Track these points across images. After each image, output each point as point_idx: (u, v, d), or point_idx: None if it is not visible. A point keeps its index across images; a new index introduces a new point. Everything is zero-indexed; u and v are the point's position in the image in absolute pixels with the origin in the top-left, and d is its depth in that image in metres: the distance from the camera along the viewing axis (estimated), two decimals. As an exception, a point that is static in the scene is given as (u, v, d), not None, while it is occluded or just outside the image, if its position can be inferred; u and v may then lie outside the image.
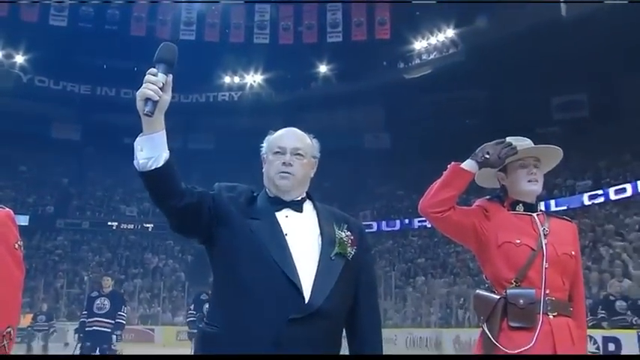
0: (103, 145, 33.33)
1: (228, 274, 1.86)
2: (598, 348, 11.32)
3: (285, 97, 33.53)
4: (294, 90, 34.25)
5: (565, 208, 22.46)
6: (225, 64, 34.34)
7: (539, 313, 2.28)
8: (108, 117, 33.67)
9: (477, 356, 2.25)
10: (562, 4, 26.24)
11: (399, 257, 27.69)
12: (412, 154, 29.52)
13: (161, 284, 27.75)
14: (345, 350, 1.91)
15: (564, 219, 2.59)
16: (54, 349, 17.83)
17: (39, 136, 33.91)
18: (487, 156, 2.34)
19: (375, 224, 30.57)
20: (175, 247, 31.43)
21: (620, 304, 11.23)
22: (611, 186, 22.73)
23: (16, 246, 1.83)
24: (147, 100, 1.73)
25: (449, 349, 16.16)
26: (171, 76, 1.78)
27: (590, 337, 11.10)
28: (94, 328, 8.81)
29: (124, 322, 9.39)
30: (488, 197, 2.53)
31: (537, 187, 2.48)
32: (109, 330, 8.88)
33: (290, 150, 1.99)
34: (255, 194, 2.00)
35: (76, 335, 9.32)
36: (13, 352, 1.86)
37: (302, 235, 1.91)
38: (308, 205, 2.01)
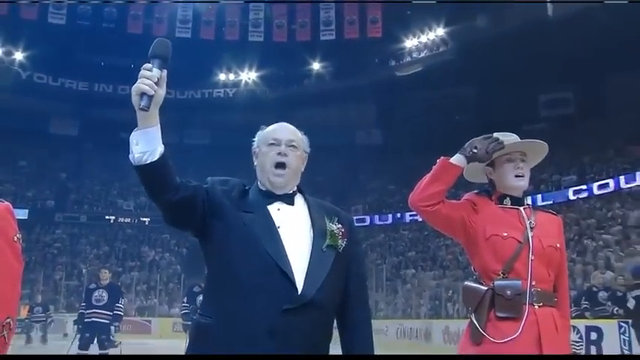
0: (100, 140, 33.20)
1: (222, 266, 1.86)
2: (581, 337, 11.39)
3: (279, 94, 33.49)
4: (288, 87, 34.24)
5: (551, 202, 22.55)
6: (220, 62, 34.28)
7: (525, 304, 2.30)
8: (105, 113, 33.55)
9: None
10: (548, 5, 26.31)
11: (390, 250, 27.77)
12: (403, 149, 29.58)
13: (157, 277, 27.73)
14: (336, 342, 1.91)
15: (550, 212, 2.60)
16: (53, 340, 17.81)
17: (38, 131, 33.84)
18: (475, 150, 2.35)
19: (367, 218, 30.62)
20: (171, 240, 31.40)
21: (602, 295, 11.32)
22: (595, 181, 22.86)
23: (15, 239, 1.83)
24: (142, 94, 1.72)
25: (438, 340, 16.21)
26: (165, 71, 1.77)
27: (574, 327, 11.18)
28: (93, 319, 8.81)
29: (122, 314, 9.41)
30: (476, 191, 2.54)
31: (524, 181, 2.49)
32: (108, 321, 8.88)
33: (285, 142, 2.00)
34: (247, 188, 1.99)
35: (75, 326, 9.32)
36: (12, 343, 1.85)
37: (294, 227, 1.91)
38: (299, 199, 2.02)
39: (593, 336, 11.19)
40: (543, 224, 2.45)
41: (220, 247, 1.87)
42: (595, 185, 22.69)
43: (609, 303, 10.93)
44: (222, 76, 35.71)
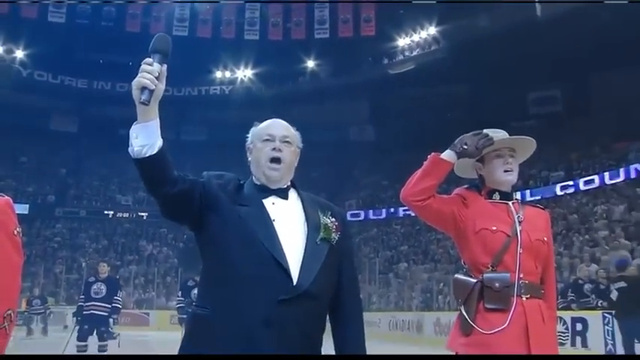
0: (99, 136, 33.15)
1: (219, 259, 1.85)
2: (567, 328, 11.47)
3: (275, 91, 33.47)
4: (283, 84, 34.22)
5: (539, 197, 22.63)
6: (216, 59, 34.24)
7: (514, 296, 2.30)
8: (104, 110, 33.54)
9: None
10: (537, 5, 26.37)
11: (383, 244, 27.82)
12: (396, 146, 29.60)
13: (155, 270, 27.73)
14: (327, 334, 1.91)
15: (538, 207, 2.61)
16: (53, 332, 17.79)
17: (38, 128, 33.82)
18: (465, 146, 2.35)
19: (362, 213, 30.69)
20: (169, 234, 31.40)
21: (587, 287, 11.40)
22: (582, 177, 22.95)
23: (15, 232, 1.82)
24: (143, 89, 1.71)
25: (429, 332, 16.25)
26: (165, 66, 1.76)
27: (560, 318, 11.25)
28: (92, 311, 8.80)
29: (120, 307, 9.40)
30: (466, 186, 2.55)
31: (513, 177, 2.49)
32: (106, 314, 8.88)
33: (279, 137, 1.99)
34: (241, 182, 1.99)
35: (74, 318, 9.30)
36: (13, 335, 1.84)
37: (288, 220, 1.91)
38: (293, 193, 2.02)
39: (579, 327, 11.29)
40: (531, 218, 2.45)
41: (216, 239, 1.86)
42: (581, 181, 22.79)
43: (594, 295, 11.01)
44: (218, 74, 35.67)
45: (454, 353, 2.38)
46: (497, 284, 2.30)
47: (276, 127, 2.04)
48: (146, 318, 24.51)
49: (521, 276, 2.33)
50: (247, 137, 2.08)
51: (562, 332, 11.33)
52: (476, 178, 2.58)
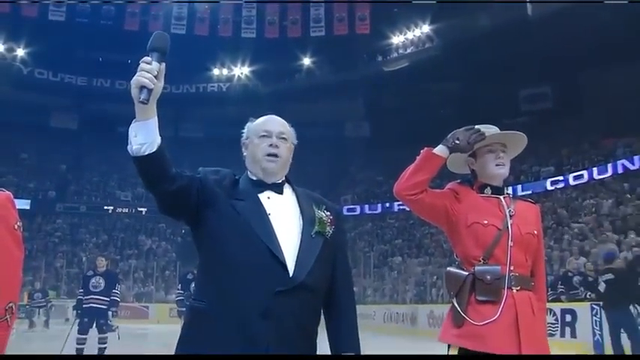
0: (99, 133, 33.07)
1: (216, 252, 1.85)
2: (557, 319, 11.53)
3: (271, 88, 33.42)
4: (280, 81, 34.17)
5: (530, 192, 22.68)
6: (214, 57, 34.16)
7: (504, 288, 2.31)
8: (104, 107, 33.43)
9: (483, 356, 2.26)
10: (528, 4, 26.41)
11: (378, 239, 27.85)
12: (390, 142, 29.57)
13: (154, 264, 27.72)
14: (322, 327, 1.91)
15: (528, 201, 2.61)
16: (55, 324, 17.78)
17: (39, 125, 33.73)
18: (457, 141, 2.35)
19: (358, 208, 30.71)
20: (167, 229, 31.37)
21: (576, 280, 11.47)
22: (572, 172, 23.01)
23: (16, 227, 1.82)
24: (142, 87, 1.69)
25: (423, 324, 16.30)
26: (164, 64, 1.74)
27: (550, 310, 11.31)
28: (91, 305, 8.80)
29: (119, 300, 9.40)
30: (458, 181, 2.55)
31: (504, 171, 2.49)
32: (105, 307, 8.88)
33: (276, 134, 1.99)
34: (237, 177, 1.99)
35: (74, 312, 9.31)
36: (16, 328, 1.84)
37: (284, 214, 1.91)
38: (287, 188, 2.02)
39: (568, 318, 11.35)
40: (522, 212, 2.46)
41: (213, 233, 1.86)
42: (571, 176, 22.86)
43: (582, 287, 11.07)
44: (216, 71, 35.60)
45: (447, 345, 2.38)
46: (488, 277, 2.31)
47: (273, 123, 2.04)
48: (145, 311, 24.51)
49: (511, 269, 2.33)
50: (242, 133, 2.07)
51: (552, 323, 11.38)
52: (468, 173, 2.58)
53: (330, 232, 1.94)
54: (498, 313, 2.27)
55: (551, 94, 29.65)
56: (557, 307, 11.52)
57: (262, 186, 1.96)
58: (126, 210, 32.67)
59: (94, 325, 8.83)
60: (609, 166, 21.46)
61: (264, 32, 32.14)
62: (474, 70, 28.20)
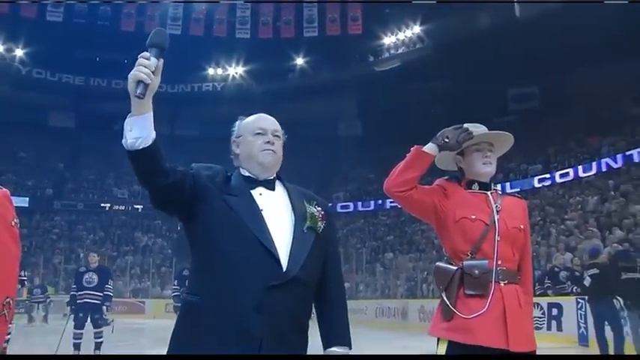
0: (96, 132, 32.96)
1: (209, 248, 1.84)
2: (544, 313, 11.61)
3: (265, 88, 33.39)
4: (273, 81, 34.13)
5: (518, 190, 22.76)
6: (209, 57, 34.12)
7: (492, 282, 2.31)
8: (101, 106, 33.33)
9: (481, 356, 2.27)
10: (516, 5, 26.50)
11: (370, 235, 27.89)
12: (382, 140, 29.60)
13: (150, 260, 27.69)
14: (312, 320, 1.92)
15: (515, 196, 2.62)
16: (53, 319, 17.74)
17: (37, 124, 33.66)
18: (446, 140, 2.36)
19: (351, 205, 30.75)
20: (163, 226, 31.33)
21: (563, 275, 11.54)
22: (558, 170, 23.12)
23: (13, 223, 1.80)
24: (139, 82, 1.67)
25: (414, 318, 16.35)
26: (162, 60, 1.72)
27: (537, 304, 11.39)
28: (85, 300, 8.78)
29: (112, 295, 9.36)
30: (446, 177, 2.56)
31: (491, 169, 2.50)
32: (99, 301, 8.86)
33: (271, 131, 2.00)
34: (229, 174, 1.98)
35: (69, 307, 9.27)
36: (15, 323, 1.84)
37: (276, 210, 1.91)
38: (279, 185, 2.02)
39: (554, 312, 11.43)
40: (509, 207, 2.47)
41: (206, 228, 1.85)
42: (557, 174, 22.97)
43: (569, 282, 11.14)
44: (210, 71, 35.55)
45: (436, 339, 2.39)
46: (476, 271, 2.31)
47: (267, 121, 2.04)
48: (142, 306, 24.48)
49: (499, 263, 2.34)
50: (233, 130, 2.07)
51: (539, 317, 11.46)
52: (456, 171, 2.59)
53: (322, 227, 1.94)
54: (486, 307, 2.28)
55: (538, 94, 29.78)
56: (544, 301, 11.59)
57: (254, 182, 1.96)
58: (122, 207, 32.61)
59: (89, 319, 8.82)
60: (594, 164, 21.61)
61: (258, 32, 32.12)
62: (463, 70, 28.26)
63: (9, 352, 5.80)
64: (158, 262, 28.19)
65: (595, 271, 8.72)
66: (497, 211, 2.41)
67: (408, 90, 30.85)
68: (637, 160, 20.03)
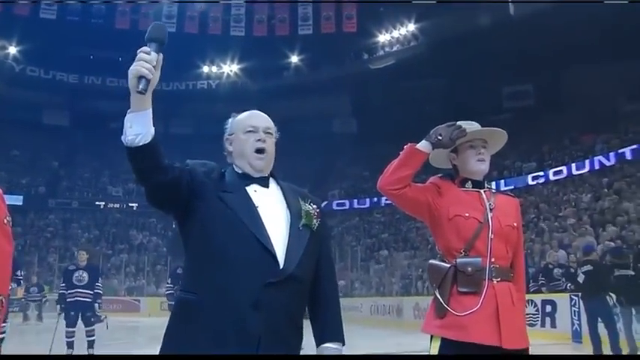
0: (90, 130, 32.89)
1: (206, 244, 1.82)
2: (537, 310, 11.64)
3: (260, 86, 33.35)
4: (268, 79, 34.10)
5: (512, 187, 22.81)
6: (204, 55, 34.03)
7: (485, 279, 2.32)
8: (95, 104, 33.26)
9: (483, 356, 2.27)
10: (510, 4, 26.56)
11: (365, 233, 27.90)
12: (377, 137, 29.61)
13: (145, 258, 27.64)
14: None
15: (508, 195, 2.62)
16: (48, 318, 17.69)
17: (31, 122, 33.48)
18: (440, 137, 2.35)
19: (347, 202, 30.76)
20: (158, 224, 31.26)
21: (556, 272, 11.58)
22: (552, 168, 23.19)
23: (6, 221, 1.79)
24: (140, 77, 1.65)
25: (409, 316, 16.38)
26: (162, 55, 1.70)
27: (531, 301, 11.42)
28: (77, 298, 8.75)
29: (101, 292, 9.37)
30: (440, 175, 2.56)
31: (485, 167, 2.50)
32: (90, 299, 8.85)
33: (262, 129, 1.99)
34: (223, 171, 1.97)
35: (58, 306, 9.22)
36: (10, 321, 1.83)
37: (271, 207, 1.90)
38: (272, 182, 2.01)
39: (548, 309, 11.47)
40: (502, 205, 2.47)
41: (202, 225, 1.84)
42: (551, 172, 23.04)
43: (563, 279, 11.19)
44: (205, 69, 35.48)
45: (429, 336, 2.39)
46: (469, 268, 2.31)
47: (259, 118, 2.03)
48: (137, 304, 24.43)
49: (492, 260, 2.34)
50: (225, 128, 2.06)
51: (533, 314, 11.50)
52: (450, 168, 2.59)
53: (317, 224, 1.94)
54: (479, 304, 2.28)
55: (532, 92, 29.86)
56: (537, 298, 11.63)
57: (249, 179, 1.96)
58: (117, 205, 32.53)
59: (80, 318, 8.79)
60: (587, 162, 21.71)
61: (253, 30, 32.07)
62: (458, 68, 28.29)
63: (4, 351, 5.79)
64: (153, 260, 28.13)
65: (589, 267, 8.75)
66: (491, 209, 2.41)
67: (402, 88, 30.87)
68: (630, 158, 20.12)
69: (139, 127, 1.69)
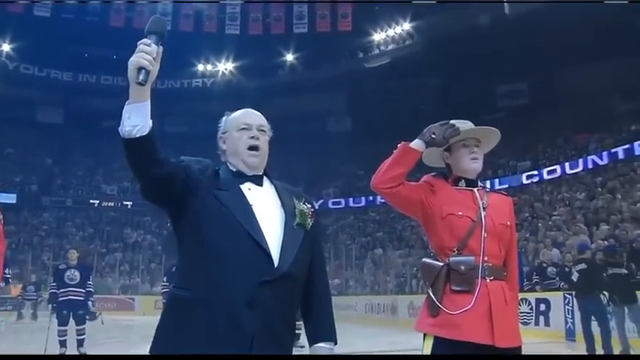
0: (84, 128, 32.80)
1: (200, 242, 1.81)
2: (532, 309, 11.68)
3: (255, 84, 33.32)
4: (263, 77, 34.06)
5: (507, 186, 22.88)
6: (199, 53, 33.99)
7: (478, 278, 2.32)
8: (89, 102, 33.17)
9: (476, 355, 2.28)
10: (505, 4, 26.63)
11: (360, 231, 27.91)
12: (372, 136, 29.62)
13: (140, 257, 27.58)
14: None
15: (501, 193, 2.63)
16: (42, 317, 17.64)
17: (25, 119, 33.34)
18: (433, 136, 2.35)
19: (342, 201, 30.77)
20: (153, 223, 31.20)
21: (551, 270, 11.63)
22: (546, 167, 23.26)
23: (-2, 219, 1.80)
24: (140, 69, 1.65)
25: (403, 314, 16.39)
26: (162, 47, 1.70)
27: (525, 300, 11.46)
28: (69, 297, 8.73)
29: (93, 291, 9.34)
30: (433, 174, 2.56)
31: (478, 165, 2.50)
32: (82, 298, 8.84)
33: (256, 126, 1.99)
34: (217, 168, 1.97)
35: (50, 305, 9.19)
36: (4, 320, 1.83)
37: (266, 206, 1.90)
38: (266, 181, 2.01)
39: (542, 307, 11.51)
40: (495, 204, 2.47)
41: (197, 222, 1.83)
42: (545, 171, 23.12)
43: (557, 278, 11.23)
44: (200, 67, 35.42)
45: (422, 334, 2.39)
46: (462, 267, 2.32)
47: (252, 116, 2.03)
48: (131, 303, 24.38)
49: (485, 259, 2.34)
50: (219, 126, 2.06)
51: (527, 312, 11.55)
52: (444, 167, 2.60)
53: (311, 224, 1.95)
54: (472, 303, 2.28)
55: (527, 91, 29.93)
56: (532, 296, 11.67)
57: (243, 177, 1.96)
58: (111, 204, 32.46)
59: (71, 315, 8.78)
60: (580, 161, 21.80)
61: (248, 29, 32.03)
62: (453, 67, 28.36)
63: (-2, 350, 5.78)
64: (147, 258, 28.05)
65: (583, 266, 8.80)
66: (484, 208, 2.41)
67: (397, 86, 30.90)
68: (623, 157, 20.22)
69: (137, 119, 1.68)
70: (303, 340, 1.93)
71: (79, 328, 8.84)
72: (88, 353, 8.73)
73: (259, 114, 2.05)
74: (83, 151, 33.85)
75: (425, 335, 2.37)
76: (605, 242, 13.06)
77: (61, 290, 8.78)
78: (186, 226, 1.87)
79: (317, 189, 30.48)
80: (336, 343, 1.95)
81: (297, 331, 2.50)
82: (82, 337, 8.85)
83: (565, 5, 22.35)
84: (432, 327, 2.33)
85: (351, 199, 30.60)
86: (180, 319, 1.78)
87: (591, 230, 15.59)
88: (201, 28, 32.06)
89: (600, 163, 20.94)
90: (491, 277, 2.34)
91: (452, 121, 2.41)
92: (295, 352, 1.93)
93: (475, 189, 2.49)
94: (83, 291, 8.84)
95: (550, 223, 17.87)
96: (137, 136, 1.68)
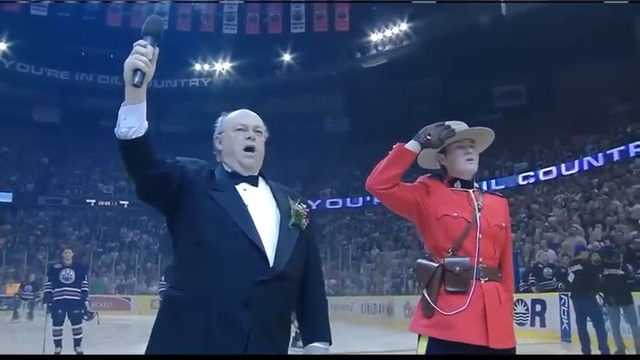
0: (81, 127, 32.76)
1: (196, 242, 1.82)
2: (527, 310, 11.70)
3: (252, 84, 33.29)
4: (261, 77, 34.04)
5: (503, 187, 22.92)
6: (196, 52, 33.95)
7: (473, 279, 2.32)
8: (86, 101, 33.12)
9: (470, 356, 2.28)
10: (502, 4, 26.67)
11: (356, 232, 27.92)
12: (369, 137, 29.63)
13: (136, 257, 27.55)
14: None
15: (497, 194, 2.63)
16: (38, 316, 17.61)
17: (21, 118, 33.27)
18: (428, 137, 2.36)
19: (340, 200, 30.77)
20: (149, 222, 31.16)
21: (547, 271, 11.65)
22: (543, 168, 23.31)
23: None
24: (136, 70, 1.65)
25: (399, 314, 16.40)
26: (158, 48, 1.70)
27: (521, 301, 11.48)
28: (65, 297, 8.72)
29: (88, 290, 9.35)
30: (429, 175, 2.56)
31: (473, 166, 2.51)
32: (78, 298, 8.82)
33: (252, 127, 2.00)
34: (212, 169, 1.98)
35: (45, 305, 9.17)
36: (0, 320, 1.83)
37: (261, 206, 1.91)
38: (261, 182, 2.02)
39: (538, 308, 11.54)
40: (490, 205, 2.48)
41: (192, 222, 1.84)
42: (541, 172, 23.17)
43: (554, 279, 11.26)
44: (197, 67, 35.38)
45: (417, 335, 2.39)
46: (457, 268, 2.32)
47: (249, 117, 2.04)
48: (127, 303, 24.35)
49: (480, 260, 2.35)
50: (215, 126, 2.07)
51: (523, 313, 11.57)
52: (439, 169, 2.60)
53: (306, 224, 1.96)
54: (467, 304, 2.28)
55: (524, 92, 29.99)
56: (527, 297, 11.70)
57: (238, 178, 1.96)
58: (108, 203, 32.41)
59: (67, 315, 8.76)
60: (576, 162, 21.86)
61: (246, 28, 32.03)
62: (450, 68, 28.40)
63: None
64: (144, 258, 28.04)
65: (579, 267, 8.83)
66: (479, 209, 2.42)
67: (394, 87, 30.93)
68: (618, 159, 20.27)
69: (132, 120, 1.68)
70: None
71: (75, 327, 8.83)
72: (84, 353, 8.72)
73: (255, 115, 2.06)
74: (79, 150, 33.78)
75: (419, 336, 2.37)
76: (601, 243, 13.07)
77: (56, 290, 8.77)
78: (182, 226, 1.87)
79: (314, 189, 30.50)
80: (330, 344, 1.95)
81: (297, 331, 2.50)
82: (78, 336, 8.84)
83: (562, 6, 22.39)
84: (427, 328, 2.33)
85: (348, 200, 30.61)
86: (176, 319, 1.78)
87: (587, 231, 15.62)
88: (198, 28, 32.06)
89: (596, 164, 21.02)
90: (486, 279, 2.35)
91: (447, 123, 2.41)
92: (296, 351, 1.93)
93: (471, 190, 2.49)
94: (78, 290, 8.83)
95: (546, 224, 17.91)
96: (133, 137, 1.68)
